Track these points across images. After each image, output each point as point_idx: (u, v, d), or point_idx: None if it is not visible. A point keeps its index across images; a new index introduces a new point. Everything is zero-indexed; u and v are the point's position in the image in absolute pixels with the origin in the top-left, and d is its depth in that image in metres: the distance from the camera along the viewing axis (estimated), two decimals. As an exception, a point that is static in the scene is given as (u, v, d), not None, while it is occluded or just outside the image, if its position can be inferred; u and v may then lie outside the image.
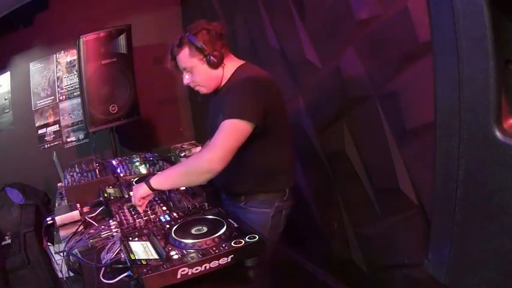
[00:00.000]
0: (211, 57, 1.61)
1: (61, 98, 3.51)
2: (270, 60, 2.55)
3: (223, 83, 1.70)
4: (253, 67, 1.75)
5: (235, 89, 1.60)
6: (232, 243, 1.23)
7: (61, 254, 1.53)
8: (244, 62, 1.73)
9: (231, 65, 1.69)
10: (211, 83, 1.70)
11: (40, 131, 3.47)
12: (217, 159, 1.46)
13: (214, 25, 1.64)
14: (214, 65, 1.63)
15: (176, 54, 1.66)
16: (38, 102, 3.44)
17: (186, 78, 1.70)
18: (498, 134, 0.56)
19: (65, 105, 3.53)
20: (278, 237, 1.79)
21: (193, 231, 1.34)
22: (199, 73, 1.66)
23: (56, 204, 2.25)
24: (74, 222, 1.77)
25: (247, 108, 1.52)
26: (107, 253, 1.40)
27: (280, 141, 1.72)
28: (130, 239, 1.35)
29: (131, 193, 1.70)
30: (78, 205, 1.87)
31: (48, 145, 3.51)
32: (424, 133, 1.56)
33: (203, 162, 1.50)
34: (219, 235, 1.28)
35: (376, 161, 1.89)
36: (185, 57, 1.64)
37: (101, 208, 1.85)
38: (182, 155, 3.10)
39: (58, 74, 3.47)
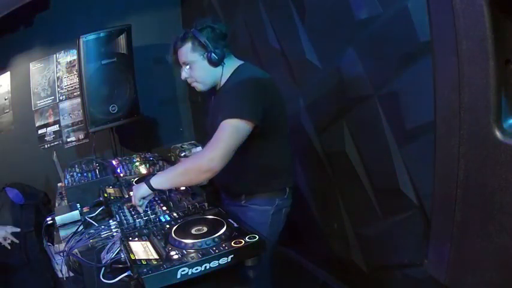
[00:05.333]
0: (213, 54, 1.62)
1: (61, 98, 3.51)
2: (270, 60, 2.55)
3: (222, 83, 1.71)
4: (253, 67, 1.76)
5: (234, 88, 1.61)
6: (232, 243, 1.23)
7: (61, 254, 1.53)
8: (243, 62, 1.74)
9: (231, 64, 1.69)
10: (208, 80, 1.71)
11: (40, 131, 3.47)
12: (217, 158, 1.46)
13: (219, 25, 1.66)
14: (215, 63, 1.64)
15: (179, 47, 1.67)
16: (38, 102, 3.44)
17: (185, 73, 1.71)
18: (498, 134, 0.56)
19: (65, 105, 3.53)
20: (278, 236, 1.79)
21: (193, 231, 1.34)
22: (198, 69, 1.67)
23: (56, 204, 2.25)
24: (74, 222, 1.78)
25: (246, 107, 1.53)
26: (107, 253, 1.40)
27: (280, 141, 1.73)
28: (130, 239, 1.35)
29: (131, 193, 1.70)
30: (78, 205, 1.87)
31: (48, 145, 3.50)
32: (424, 133, 1.56)
33: (203, 161, 1.51)
34: (219, 235, 1.28)
35: (376, 161, 1.89)
36: (187, 51, 1.65)
37: (101, 208, 1.85)
38: (182, 155, 3.10)
39: (58, 74, 3.47)
